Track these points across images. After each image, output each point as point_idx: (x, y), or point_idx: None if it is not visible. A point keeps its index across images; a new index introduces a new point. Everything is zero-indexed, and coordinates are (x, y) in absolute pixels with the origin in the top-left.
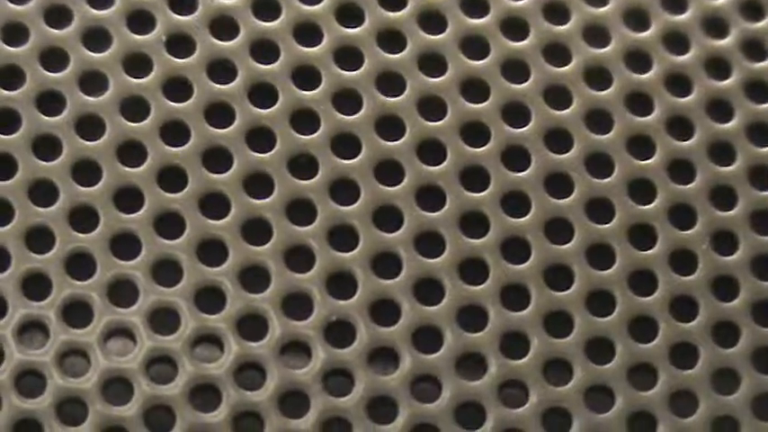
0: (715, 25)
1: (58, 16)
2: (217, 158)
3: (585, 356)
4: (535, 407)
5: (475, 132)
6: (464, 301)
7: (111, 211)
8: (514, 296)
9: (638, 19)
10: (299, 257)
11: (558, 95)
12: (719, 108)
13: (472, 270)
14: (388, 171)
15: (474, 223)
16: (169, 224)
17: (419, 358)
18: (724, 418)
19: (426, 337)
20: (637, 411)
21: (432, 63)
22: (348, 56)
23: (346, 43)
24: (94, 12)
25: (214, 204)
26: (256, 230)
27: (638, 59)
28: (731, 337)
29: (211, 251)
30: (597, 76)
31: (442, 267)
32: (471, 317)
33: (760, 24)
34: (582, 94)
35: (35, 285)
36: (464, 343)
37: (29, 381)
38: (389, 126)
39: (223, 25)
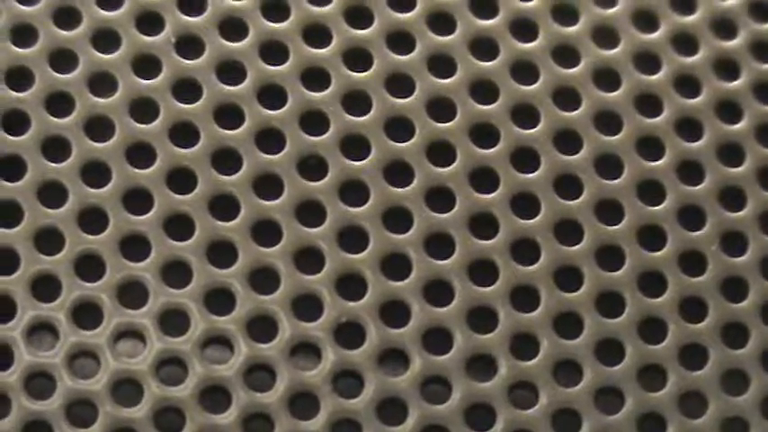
0: (724, 26)
1: (67, 18)
2: (226, 160)
3: (595, 358)
4: (545, 408)
5: (484, 134)
6: (474, 302)
7: (121, 213)
8: (524, 298)
9: (647, 20)
10: (308, 259)
11: (567, 97)
12: (728, 109)
13: (482, 271)
14: (398, 172)
15: (484, 225)
16: (179, 226)
17: (429, 360)
18: (733, 419)
19: (436, 339)
20: (646, 412)
21: (441, 64)
22: (357, 57)
23: (355, 45)
24: (104, 13)
25: (224, 206)
26: (266, 232)
27: (647, 61)
28: (740, 339)
29: (221, 253)
30: (606, 77)
31: (452, 269)
32: (481, 318)
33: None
34: (591, 95)
35: (45, 287)
36: (474, 344)
37: (38, 382)
38: (399, 127)
39: (232, 26)
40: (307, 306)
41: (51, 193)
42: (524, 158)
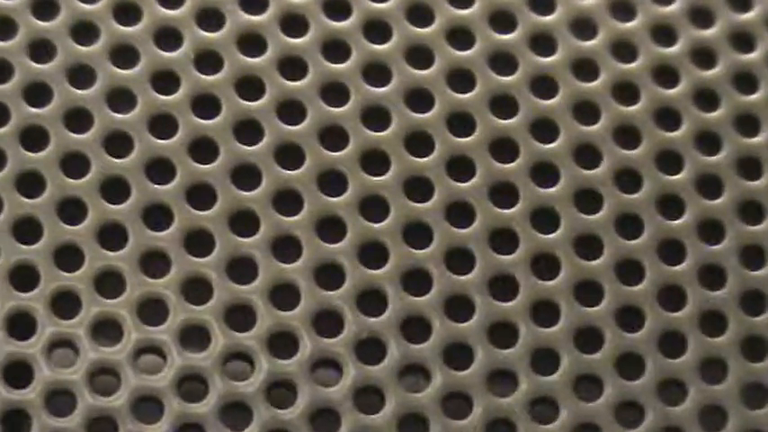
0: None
1: (85, 33)
2: (246, 176)
3: (616, 372)
4: (565, 423)
5: (504, 148)
6: (495, 317)
7: (141, 229)
8: (545, 312)
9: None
10: (329, 275)
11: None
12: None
13: (502, 286)
14: (419, 188)
15: (504, 239)
16: (199, 242)
17: (450, 375)
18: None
19: (457, 354)
20: (666, 426)
21: (461, 79)
22: (377, 72)
23: (375, 60)
24: (122, 29)
25: (244, 222)
26: (286, 248)
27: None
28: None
29: (241, 269)
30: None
31: (473, 284)
32: (502, 333)
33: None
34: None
35: (65, 304)
36: (495, 359)
37: (59, 400)
38: (420, 143)
39: (251, 42)
40: (327, 322)
41: (71, 210)
42: (544, 173)
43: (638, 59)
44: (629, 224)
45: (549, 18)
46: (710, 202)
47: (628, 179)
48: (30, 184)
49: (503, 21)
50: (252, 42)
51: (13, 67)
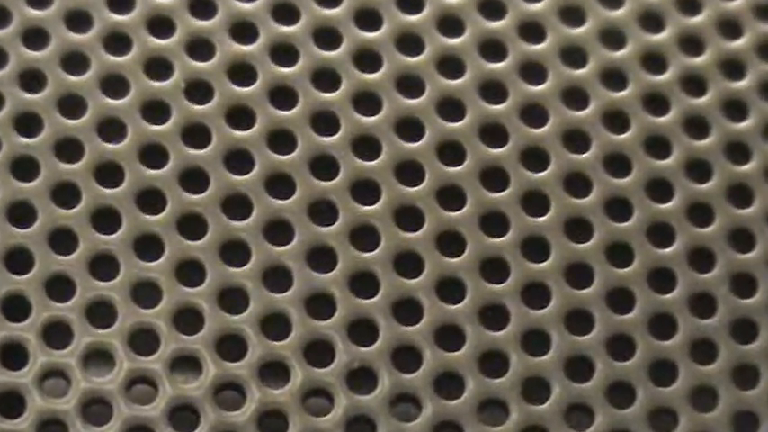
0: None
1: (75, 63)
2: (237, 205)
3: (607, 401)
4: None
5: (495, 177)
6: (486, 346)
7: (132, 259)
8: (536, 342)
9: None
10: (320, 304)
11: (577, 139)
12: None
13: (493, 316)
14: (409, 217)
15: (495, 268)
16: (190, 272)
17: (441, 404)
18: None
19: (448, 384)
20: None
21: (451, 107)
22: (366, 102)
23: (365, 89)
24: (113, 59)
25: (235, 252)
26: (277, 278)
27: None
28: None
29: (233, 299)
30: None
31: (464, 313)
32: (493, 362)
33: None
34: (601, 136)
35: (56, 334)
36: (486, 389)
37: (51, 429)
38: (410, 172)
39: (242, 71)
40: (319, 352)
41: (62, 240)
42: (536, 202)
43: (629, 87)
44: (619, 252)
45: (539, 46)
46: (701, 230)
47: (618, 208)
48: (20, 214)
49: (493, 49)
50: (242, 72)
51: (4, 96)
